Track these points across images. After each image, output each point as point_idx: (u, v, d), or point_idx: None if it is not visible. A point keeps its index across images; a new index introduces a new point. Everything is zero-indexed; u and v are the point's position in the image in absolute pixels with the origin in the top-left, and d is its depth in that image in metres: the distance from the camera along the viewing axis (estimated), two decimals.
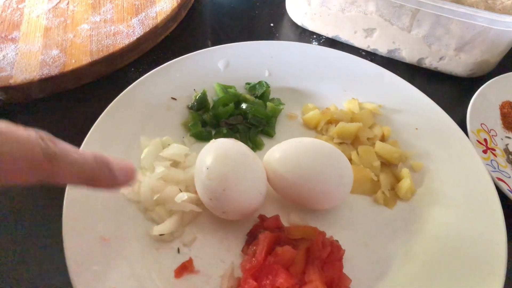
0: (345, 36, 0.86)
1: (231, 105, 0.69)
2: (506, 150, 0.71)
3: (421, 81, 0.83)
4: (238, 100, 0.71)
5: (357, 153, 0.65)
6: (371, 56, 0.86)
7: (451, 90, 0.83)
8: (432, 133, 0.67)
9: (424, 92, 0.71)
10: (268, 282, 0.49)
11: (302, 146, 0.56)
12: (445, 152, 0.65)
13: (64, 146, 0.42)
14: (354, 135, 0.66)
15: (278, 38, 0.90)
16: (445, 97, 0.81)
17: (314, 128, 0.70)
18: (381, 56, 0.86)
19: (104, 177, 0.46)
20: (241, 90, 0.74)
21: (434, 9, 0.73)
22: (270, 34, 0.91)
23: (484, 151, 0.68)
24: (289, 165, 0.55)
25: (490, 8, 0.77)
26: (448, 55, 0.80)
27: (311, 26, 0.89)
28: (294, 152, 0.55)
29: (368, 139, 0.67)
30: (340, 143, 0.66)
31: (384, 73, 0.74)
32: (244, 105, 0.69)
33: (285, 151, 0.56)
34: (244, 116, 0.69)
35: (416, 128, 0.68)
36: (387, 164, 0.65)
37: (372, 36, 0.83)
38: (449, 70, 0.82)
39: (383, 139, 0.68)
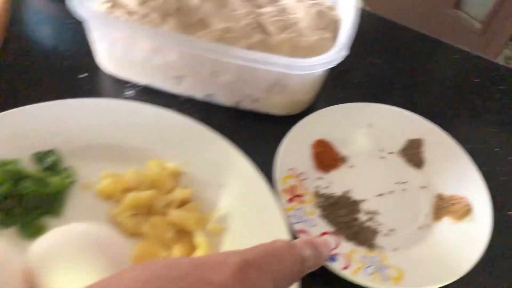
0: (158, 84, 0.81)
1: (8, 184, 0.60)
2: (316, 193, 0.70)
3: (244, 123, 0.81)
4: (19, 177, 0.62)
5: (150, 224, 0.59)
6: (190, 102, 0.82)
7: (273, 131, 0.81)
8: (237, 190, 0.64)
9: (248, 134, 0.70)
10: None
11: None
12: (247, 210, 0.62)
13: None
14: (148, 204, 0.61)
15: (90, 90, 0.82)
16: (267, 138, 0.78)
17: (110, 199, 0.63)
18: (199, 102, 0.82)
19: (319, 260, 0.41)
20: (29, 162, 0.65)
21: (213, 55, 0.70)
22: (78, 87, 0.83)
23: (290, 200, 0.66)
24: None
25: (295, 46, 0.76)
26: (262, 97, 0.78)
27: (123, 75, 0.82)
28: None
29: (166, 205, 0.61)
30: (135, 215, 0.61)
31: (192, 126, 0.70)
32: (21, 184, 0.60)
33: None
34: (21, 198, 0.60)
35: (220, 185, 0.65)
36: (185, 231, 0.61)
37: (182, 83, 0.79)
38: (267, 111, 0.81)
39: (184, 202, 0.63)
